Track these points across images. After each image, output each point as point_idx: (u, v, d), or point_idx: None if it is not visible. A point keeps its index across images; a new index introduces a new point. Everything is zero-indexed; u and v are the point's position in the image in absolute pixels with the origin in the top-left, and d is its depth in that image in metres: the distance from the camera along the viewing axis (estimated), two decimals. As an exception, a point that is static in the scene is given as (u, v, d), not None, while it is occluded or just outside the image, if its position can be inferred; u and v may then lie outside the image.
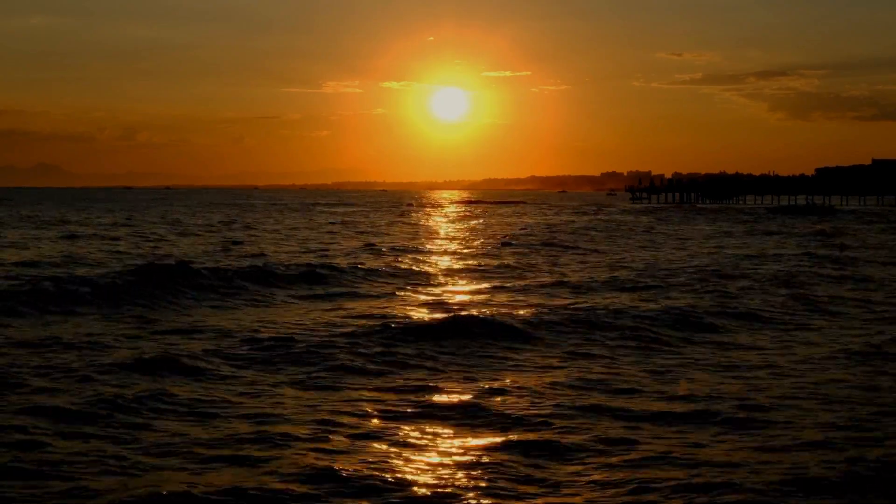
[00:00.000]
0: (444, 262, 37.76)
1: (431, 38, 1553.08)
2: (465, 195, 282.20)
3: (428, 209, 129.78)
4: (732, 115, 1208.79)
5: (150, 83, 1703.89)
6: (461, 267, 35.32)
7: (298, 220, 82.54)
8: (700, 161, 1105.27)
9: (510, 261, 38.05)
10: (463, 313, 20.75)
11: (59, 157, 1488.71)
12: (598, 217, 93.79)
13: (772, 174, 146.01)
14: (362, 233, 61.65)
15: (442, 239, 55.61)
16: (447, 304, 24.06)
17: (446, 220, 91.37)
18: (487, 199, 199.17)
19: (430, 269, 33.92)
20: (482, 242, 51.49)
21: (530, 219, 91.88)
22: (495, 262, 37.17)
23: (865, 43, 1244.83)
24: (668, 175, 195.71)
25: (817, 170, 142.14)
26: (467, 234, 62.12)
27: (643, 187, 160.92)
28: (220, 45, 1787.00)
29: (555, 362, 16.30)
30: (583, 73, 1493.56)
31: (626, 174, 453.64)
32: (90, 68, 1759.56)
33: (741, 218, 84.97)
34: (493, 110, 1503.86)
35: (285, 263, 32.66)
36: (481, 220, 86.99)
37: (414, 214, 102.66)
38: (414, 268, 34.21)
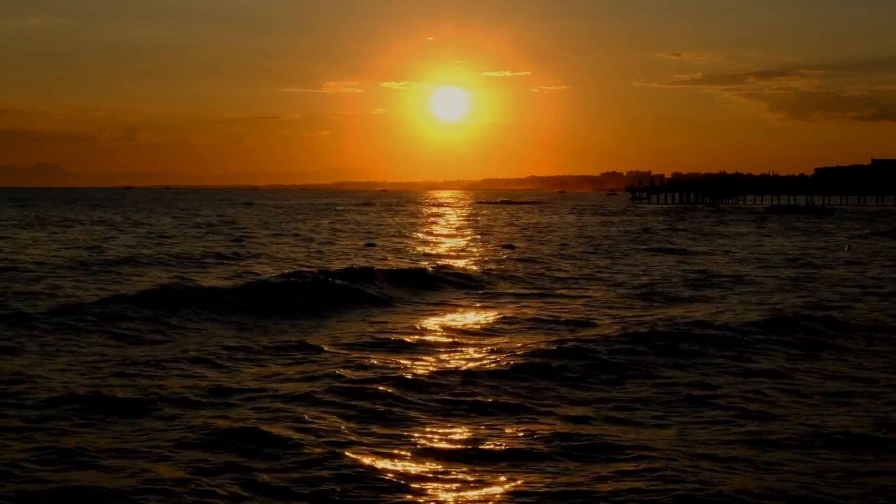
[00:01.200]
0: (576, 263, 36.45)
1: (431, 38, 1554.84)
2: (470, 195, 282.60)
3: (449, 209, 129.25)
4: (732, 115, 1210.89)
5: (150, 83, 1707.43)
6: (592, 270, 34.15)
7: (374, 221, 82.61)
8: (700, 161, 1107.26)
9: (626, 262, 36.80)
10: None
11: (59, 157, 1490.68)
12: (629, 218, 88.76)
13: (772, 174, 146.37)
14: (447, 236, 60.12)
15: (526, 239, 54.04)
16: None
17: (490, 219, 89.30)
18: (513, 198, 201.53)
19: (567, 272, 32.57)
20: (570, 244, 49.27)
21: (562, 219, 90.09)
22: (609, 264, 36.15)
23: (865, 43, 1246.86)
24: (668, 175, 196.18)
25: (817, 170, 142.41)
26: (541, 234, 60.83)
27: (643, 187, 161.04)
28: (220, 45, 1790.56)
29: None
30: (583, 73, 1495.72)
31: (626, 174, 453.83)
32: (90, 68, 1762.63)
33: (787, 220, 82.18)
34: (493, 110, 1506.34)
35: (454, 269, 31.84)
36: (529, 221, 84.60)
37: (451, 216, 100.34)
38: (550, 270, 33.11)
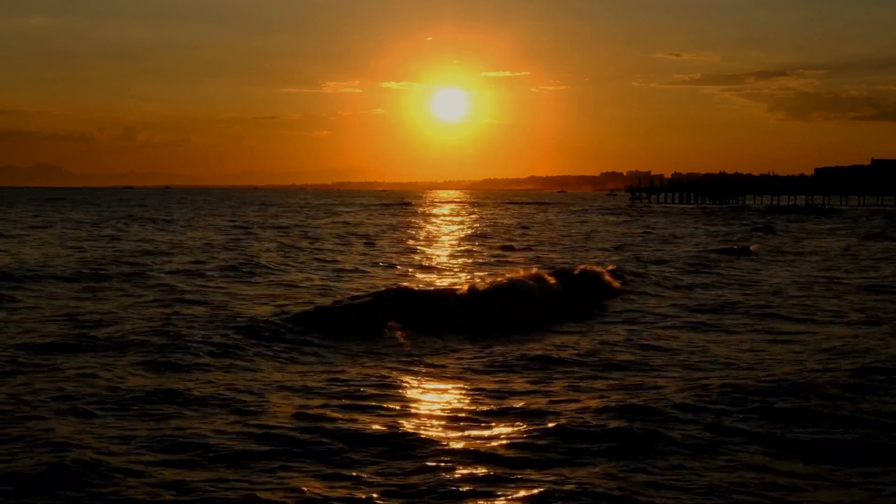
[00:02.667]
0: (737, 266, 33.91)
1: (431, 39, 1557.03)
2: (466, 195, 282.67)
3: (491, 209, 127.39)
4: (732, 115, 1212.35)
5: (150, 83, 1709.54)
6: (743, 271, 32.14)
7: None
8: (700, 161, 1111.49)
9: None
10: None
11: (59, 157, 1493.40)
12: (658, 220, 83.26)
13: (771, 174, 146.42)
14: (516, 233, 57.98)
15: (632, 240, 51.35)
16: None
17: (544, 219, 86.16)
18: (524, 198, 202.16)
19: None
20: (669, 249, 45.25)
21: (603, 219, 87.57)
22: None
23: (865, 43, 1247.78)
24: (668, 175, 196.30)
25: (817, 170, 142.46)
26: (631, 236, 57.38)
27: (643, 187, 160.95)
28: (221, 45, 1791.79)
29: None
30: (582, 73, 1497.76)
31: (625, 174, 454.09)
32: (91, 68, 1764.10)
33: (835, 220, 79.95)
34: (493, 110, 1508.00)
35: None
36: (577, 223, 78.86)
37: (508, 218, 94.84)
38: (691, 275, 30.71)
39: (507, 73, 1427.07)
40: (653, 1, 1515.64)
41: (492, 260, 37.77)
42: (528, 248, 45.17)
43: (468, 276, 29.46)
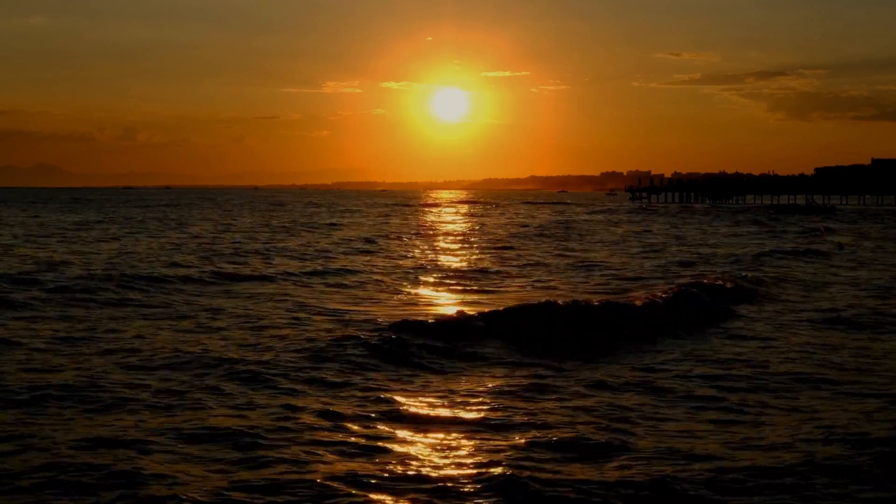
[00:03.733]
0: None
1: (431, 39, 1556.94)
2: (471, 195, 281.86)
3: (531, 210, 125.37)
4: (732, 115, 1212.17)
5: (150, 83, 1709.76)
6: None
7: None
8: (700, 161, 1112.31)
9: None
10: None
11: (58, 157, 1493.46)
12: (678, 220, 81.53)
13: (771, 174, 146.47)
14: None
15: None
16: None
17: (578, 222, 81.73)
18: (533, 198, 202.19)
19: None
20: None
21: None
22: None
23: (865, 43, 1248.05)
24: (668, 175, 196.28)
25: (817, 169, 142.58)
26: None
27: (643, 187, 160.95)
28: (221, 45, 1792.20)
29: None
30: (582, 73, 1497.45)
31: (625, 174, 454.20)
32: (91, 68, 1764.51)
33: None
34: (493, 110, 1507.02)
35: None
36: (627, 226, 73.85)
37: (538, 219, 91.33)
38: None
39: (507, 73, 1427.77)
40: (653, 1, 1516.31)
41: (612, 264, 36.79)
42: (609, 252, 44.10)
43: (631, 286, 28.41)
